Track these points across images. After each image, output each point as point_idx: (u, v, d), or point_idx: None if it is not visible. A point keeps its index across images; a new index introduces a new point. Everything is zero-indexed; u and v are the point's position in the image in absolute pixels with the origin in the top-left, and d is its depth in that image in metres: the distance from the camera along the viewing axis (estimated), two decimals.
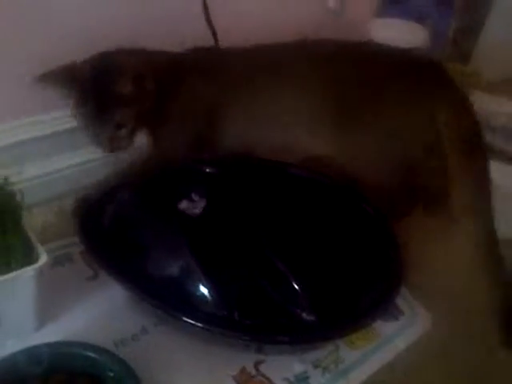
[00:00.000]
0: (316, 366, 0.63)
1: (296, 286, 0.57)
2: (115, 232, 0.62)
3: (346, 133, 0.70)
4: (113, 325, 0.63)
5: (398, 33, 0.99)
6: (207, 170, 0.66)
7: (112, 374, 0.54)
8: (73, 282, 0.68)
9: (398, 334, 0.68)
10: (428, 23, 1.13)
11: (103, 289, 0.67)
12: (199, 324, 0.54)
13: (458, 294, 0.75)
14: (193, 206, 0.62)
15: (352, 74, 0.72)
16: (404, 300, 0.73)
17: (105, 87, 0.66)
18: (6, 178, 0.57)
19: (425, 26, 1.10)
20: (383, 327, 0.69)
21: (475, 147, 0.72)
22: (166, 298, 0.56)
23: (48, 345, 0.55)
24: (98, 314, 0.64)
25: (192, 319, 0.54)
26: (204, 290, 0.56)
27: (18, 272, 0.52)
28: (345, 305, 0.59)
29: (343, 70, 0.72)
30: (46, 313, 0.63)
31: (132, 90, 0.66)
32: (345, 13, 0.96)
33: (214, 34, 0.87)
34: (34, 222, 0.70)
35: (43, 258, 0.54)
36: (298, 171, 0.72)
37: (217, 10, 0.85)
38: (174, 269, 0.58)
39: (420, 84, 0.72)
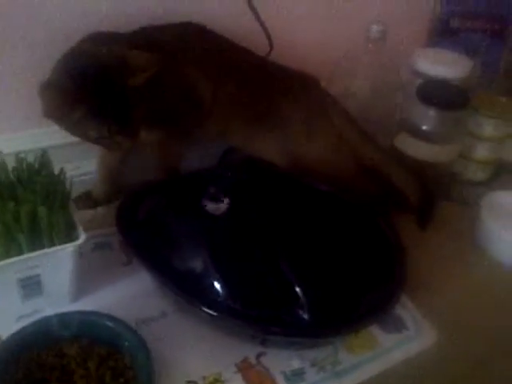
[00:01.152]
0: (313, 365, 0.67)
1: (298, 289, 0.62)
2: (148, 225, 0.70)
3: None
4: (137, 306, 0.71)
5: (444, 64, 1.01)
6: (235, 176, 0.73)
7: (127, 344, 0.61)
8: (109, 265, 0.77)
9: (398, 347, 0.71)
10: (479, 56, 1.16)
11: (134, 274, 0.75)
12: (207, 311, 0.61)
13: (468, 317, 0.77)
14: (217, 207, 0.69)
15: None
16: (410, 315, 0.76)
17: (117, 85, 0.65)
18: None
19: (475, 59, 1.12)
20: (385, 338, 0.72)
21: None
22: (184, 287, 0.63)
23: (76, 312, 0.64)
24: (126, 295, 0.73)
25: (200, 306, 0.62)
26: (216, 283, 0.62)
27: (60, 247, 0.62)
28: (343, 308, 0.64)
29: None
30: (82, 288, 0.72)
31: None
32: (388, 40, 1.00)
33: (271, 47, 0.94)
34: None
35: (82, 238, 0.64)
36: (319, 185, 0.78)
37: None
38: (193, 262, 0.65)
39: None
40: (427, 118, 0.89)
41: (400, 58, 1.03)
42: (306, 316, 0.61)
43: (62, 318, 0.63)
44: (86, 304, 0.70)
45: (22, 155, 0.66)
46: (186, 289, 0.63)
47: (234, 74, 0.83)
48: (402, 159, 0.91)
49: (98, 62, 0.65)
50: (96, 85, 0.64)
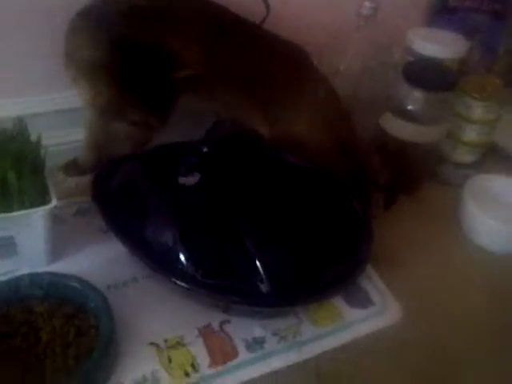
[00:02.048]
0: (275, 334, 0.69)
1: (258, 264, 0.63)
2: (121, 194, 0.72)
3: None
4: (110, 271, 0.74)
5: (439, 43, 1.00)
6: (205, 150, 0.75)
7: (93, 305, 0.64)
8: (88, 231, 0.79)
9: (362, 321, 0.73)
10: (478, 37, 1.13)
11: (111, 241, 0.76)
12: (170, 278, 0.63)
13: (438, 297, 0.78)
14: (188, 179, 0.71)
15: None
16: (378, 292, 0.77)
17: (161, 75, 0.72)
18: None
19: (474, 40, 1.10)
20: (349, 312, 0.74)
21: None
22: (150, 256, 0.66)
23: (46, 273, 0.67)
24: (102, 260, 0.75)
25: (163, 273, 0.64)
26: (180, 252, 0.64)
27: (30, 210, 0.64)
28: (303, 280, 0.65)
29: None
30: (60, 251, 0.75)
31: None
32: (382, 18, 0.98)
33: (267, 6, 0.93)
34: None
35: (53, 202, 0.66)
36: (294, 160, 0.79)
37: None
38: (160, 232, 0.67)
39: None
40: (412, 99, 0.88)
41: (394, 37, 1.02)
42: (264, 288, 0.63)
43: (33, 277, 0.66)
44: (62, 267, 0.73)
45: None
46: (153, 257, 0.65)
47: (228, 41, 0.83)
48: (374, 142, 0.91)
49: (150, 50, 0.71)
50: (145, 73, 0.71)
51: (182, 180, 0.71)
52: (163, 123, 0.77)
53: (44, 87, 0.86)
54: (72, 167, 0.90)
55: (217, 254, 0.64)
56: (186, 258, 0.63)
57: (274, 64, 0.85)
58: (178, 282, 0.63)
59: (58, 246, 0.76)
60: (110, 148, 0.87)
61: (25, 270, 0.70)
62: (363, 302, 0.75)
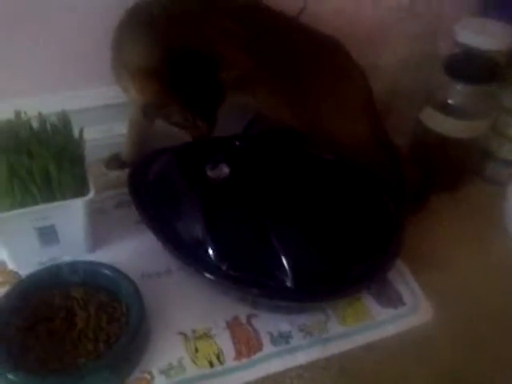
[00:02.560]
0: (301, 330, 0.70)
1: (283, 260, 0.64)
2: (155, 188, 0.74)
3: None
4: (146, 261, 0.77)
5: (486, 35, 0.95)
6: (236, 144, 0.76)
7: (125, 293, 0.67)
8: (127, 222, 0.83)
9: (391, 321, 0.72)
10: None
11: (147, 232, 0.80)
12: (197, 269, 0.65)
13: (474, 298, 0.75)
14: (218, 174, 0.72)
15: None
16: (410, 291, 0.76)
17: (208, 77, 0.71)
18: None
19: None
20: (379, 312, 0.73)
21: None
22: (180, 248, 0.68)
23: (84, 261, 0.71)
24: (139, 250, 0.78)
25: (191, 264, 0.66)
26: (207, 244, 0.66)
27: (69, 201, 0.68)
28: (328, 277, 0.65)
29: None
30: (101, 241, 0.79)
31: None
32: (429, 9, 0.96)
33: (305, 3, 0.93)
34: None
35: (91, 194, 0.69)
36: (329, 156, 0.80)
37: None
38: (190, 225, 0.69)
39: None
40: (453, 92, 0.85)
41: (440, 29, 0.99)
42: (288, 283, 0.63)
43: (71, 265, 0.70)
44: (101, 256, 0.77)
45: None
46: (181, 249, 0.67)
47: (267, 36, 0.82)
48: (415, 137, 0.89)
49: (198, 53, 0.70)
50: (193, 76, 0.70)
51: (210, 173, 0.72)
52: (211, 125, 0.77)
53: (89, 82, 0.90)
54: (114, 161, 0.94)
55: (242, 247, 0.65)
56: (212, 250, 0.65)
57: (311, 58, 0.84)
58: (204, 273, 0.65)
59: (98, 236, 0.80)
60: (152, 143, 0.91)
61: (67, 258, 0.74)
62: (394, 301, 0.74)
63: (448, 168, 0.92)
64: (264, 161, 0.75)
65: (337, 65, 0.86)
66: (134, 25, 0.76)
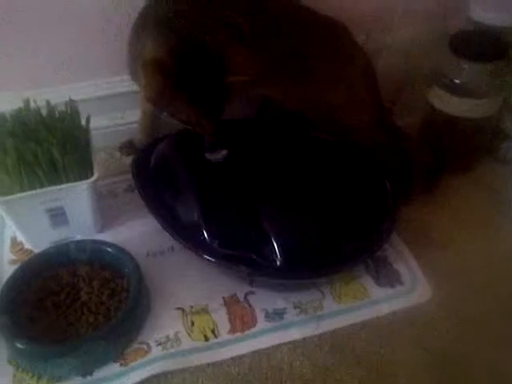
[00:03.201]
0: (296, 307, 0.71)
1: (273, 240, 0.66)
2: (156, 172, 0.77)
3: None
4: (151, 241, 0.80)
5: (498, 11, 0.92)
6: (233, 127, 0.78)
7: (127, 270, 0.71)
8: (135, 204, 0.85)
9: (387, 300, 0.72)
10: None
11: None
12: (191, 248, 0.68)
13: (475, 278, 0.75)
14: (215, 156, 0.75)
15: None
16: (409, 272, 0.76)
17: (213, 80, 0.69)
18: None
19: None
20: (376, 291, 0.74)
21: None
22: (177, 228, 0.71)
23: (90, 240, 0.75)
24: (144, 231, 0.81)
25: (185, 243, 0.69)
26: (200, 223, 0.69)
27: (74, 183, 0.72)
28: (316, 255, 0.67)
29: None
30: (109, 222, 0.84)
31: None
32: None
33: None
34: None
35: (94, 176, 0.73)
36: (320, 135, 0.81)
37: None
38: (185, 206, 0.72)
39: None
40: (460, 71, 0.83)
41: (451, 6, 0.96)
42: (278, 262, 0.65)
43: (78, 244, 0.74)
44: (110, 236, 0.81)
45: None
46: (179, 229, 0.71)
47: (269, 22, 0.82)
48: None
49: (206, 53, 0.69)
50: (199, 76, 0.69)
51: (209, 157, 0.74)
52: (215, 124, 0.75)
53: (102, 72, 0.94)
54: (127, 147, 0.98)
55: (233, 226, 0.68)
56: (204, 229, 0.67)
57: (312, 40, 0.84)
58: (196, 250, 0.68)
59: (109, 217, 0.84)
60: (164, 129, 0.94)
61: (78, 238, 0.79)
62: (392, 281, 0.75)
63: (458, 148, 0.91)
64: (261, 143, 0.77)
65: (338, 47, 0.85)
66: (144, 21, 0.78)
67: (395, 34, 0.94)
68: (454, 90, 0.85)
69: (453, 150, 0.91)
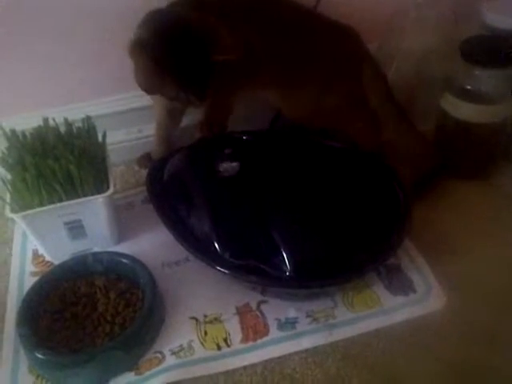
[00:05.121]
0: (308, 316, 0.72)
1: (283, 251, 0.67)
2: (169, 185, 0.79)
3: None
4: (166, 251, 0.82)
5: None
6: (244, 138, 0.79)
7: (142, 281, 0.73)
8: (151, 215, 0.87)
9: (400, 308, 0.72)
10: None
11: None
12: (203, 260, 0.70)
13: (490, 293, 0.73)
14: (227, 169, 0.76)
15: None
16: (423, 280, 0.75)
17: (199, 57, 0.71)
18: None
19: None
20: (389, 300, 0.73)
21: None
22: (189, 239, 0.72)
23: (106, 252, 0.77)
24: (160, 241, 0.83)
25: (198, 255, 0.70)
26: (213, 236, 0.70)
27: (91, 197, 0.75)
28: (325, 267, 0.67)
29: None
30: (126, 233, 0.86)
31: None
32: None
33: None
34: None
35: (110, 191, 0.76)
36: (331, 142, 0.82)
37: None
38: (197, 216, 0.73)
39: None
40: (470, 77, 0.83)
41: (464, 12, 0.96)
42: (287, 272, 0.66)
43: (95, 255, 0.77)
44: (127, 247, 0.83)
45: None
46: (191, 240, 0.72)
47: (278, 27, 0.84)
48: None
49: (191, 31, 0.71)
50: (185, 53, 0.71)
51: (221, 169, 0.76)
52: (202, 99, 0.77)
53: (115, 89, 0.97)
54: (145, 159, 1.01)
55: (243, 237, 0.69)
56: (216, 240, 0.69)
57: (318, 43, 0.86)
58: (208, 261, 0.70)
59: (125, 229, 0.86)
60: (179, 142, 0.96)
61: (97, 250, 0.81)
62: (405, 289, 0.74)
63: (472, 154, 0.90)
64: (271, 154, 0.78)
65: (344, 51, 0.86)
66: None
67: (408, 41, 0.94)
68: (466, 96, 0.84)
69: (467, 156, 0.91)
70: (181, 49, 0.71)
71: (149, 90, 0.77)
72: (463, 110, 0.86)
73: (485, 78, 0.82)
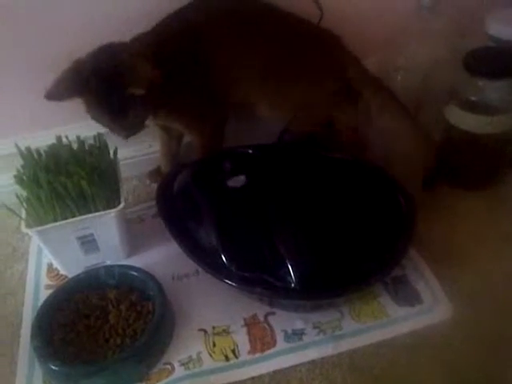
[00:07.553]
0: (315, 327, 0.73)
1: (288, 264, 0.68)
2: (178, 199, 0.81)
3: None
4: (176, 264, 0.83)
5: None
6: (250, 152, 0.81)
7: (152, 293, 0.75)
8: (162, 229, 0.90)
9: (407, 319, 0.73)
10: None
11: None
12: (211, 272, 0.71)
13: (496, 303, 0.74)
14: (234, 182, 0.78)
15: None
16: (429, 290, 0.76)
17: (116, 90, 0.72)
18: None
19: None
20: (395, 310, 0.74)
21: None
22: (196, 252, 0.74)
23: (117, 265, 0.79)
24: (170, 254, 0.85)
25: (206, 267, 0.72)
26: (219, 249, 0.72)
27: (102, 212, 0.77)
28: (330, 279, 0.68)
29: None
30: (137, 246, 0.88)
31: (145, 90, 0.72)
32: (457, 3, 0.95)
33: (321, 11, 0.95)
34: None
35: (121, 205, 0.78)
36: (336, 155, 0.83)
37: None
38: (203, 230, 0.75)
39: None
40: (474, 88, 0.84)
41: (468, 24, 0.97)
42: (292, 284, 0.67)
43: (107, 269, 0.79)
44: (138, 260, 0.85)
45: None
46: (198, 253, 0.74)
47: (254, 31, 0.86)
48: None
49: (114, 66, 0.73)
50: (100, 84, 0.73)
51: (229, 183, 0.78)
52: (122, 130, 0.78)
53: None
54: (156, 173, 1.03)
55: (249, 249, 0.70)
56: (222, 253, 0.70)
57: (298, 47, 0.88)
58: (214, 273, 0.71)
59: (136, 243, 0.89)
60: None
61: (109, 263, 0.83)
62: (411, 300, 0.75)
63: (478, 164, 0.90)
64: (276, 167, 0.79)
65: (327, 56, 0.89)
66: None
67: (413, 53, 0.95)
68: (471, 107, 0.85)
69: (473, 167, 0.91)
70: (101, 84, 0.73)
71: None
72: (468, 121, 0.86)
73: (489, 89, 0.83)
